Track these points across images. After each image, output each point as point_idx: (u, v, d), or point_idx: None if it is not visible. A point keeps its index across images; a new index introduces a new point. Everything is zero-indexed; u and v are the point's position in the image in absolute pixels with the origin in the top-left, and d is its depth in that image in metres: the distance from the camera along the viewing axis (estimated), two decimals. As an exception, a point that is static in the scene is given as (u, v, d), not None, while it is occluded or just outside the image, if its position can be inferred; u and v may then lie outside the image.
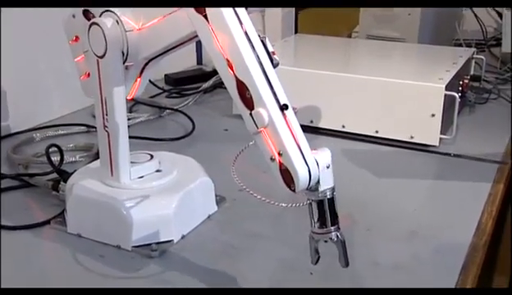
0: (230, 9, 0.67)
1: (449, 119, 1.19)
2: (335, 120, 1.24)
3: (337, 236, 0.68)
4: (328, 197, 0.67)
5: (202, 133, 1.26)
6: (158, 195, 0.85)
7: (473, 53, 1.43)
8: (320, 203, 0.67)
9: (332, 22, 1.86)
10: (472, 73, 1.43)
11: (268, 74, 0.67)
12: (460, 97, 1.22)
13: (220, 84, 1.50)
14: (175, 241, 0.84)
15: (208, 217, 0.91)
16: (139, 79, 0.85)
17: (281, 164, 0.65)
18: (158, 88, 1.50)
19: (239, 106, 0.68)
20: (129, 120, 1.22)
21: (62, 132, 1.24)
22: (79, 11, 0.83)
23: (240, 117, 0.68)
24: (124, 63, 0.81)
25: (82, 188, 0.86)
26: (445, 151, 1.16)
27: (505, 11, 1.67)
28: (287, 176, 0.65)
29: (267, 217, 0.90)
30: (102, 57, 0.80)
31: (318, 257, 0.70)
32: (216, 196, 0.93)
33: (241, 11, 0.68)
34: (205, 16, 0.68)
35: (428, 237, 0.87)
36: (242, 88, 0.67)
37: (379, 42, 1.62)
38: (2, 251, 0.81)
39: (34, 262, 0.81)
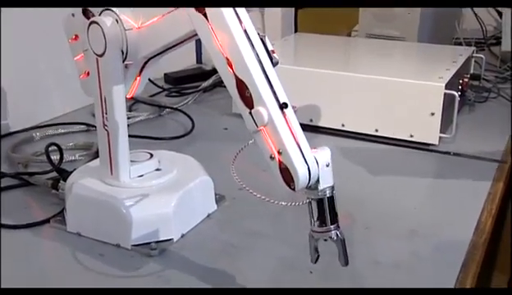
0: (230, 8, 0.67)
1: (448, 117, 1.19)
2: (334, 118, 1.24)
3: (337, 234, 0.68)
4: (328, 195, 0.67)
5: (201, 132, 1.26)
6: (158, 194, 0.85)
7: (473, 52, 1.43)
8: (320, 202, 0.67)
9: (332, 21, 1.86)
10: (471, 72, 1.43)
11: (268, 72, 0.67)
12: (460, 95, 1.22)
13: (219, 83, 1.50)
14: (174, 240, 0.84)
15: (208, 216, 0.91)
16: (138, 78, 0.85)
17: (280, 162, 0.65)
18: (158, 86, 1.51)
19: (238, 105, 0.68)
20: (128, 118, 1.21)
21: (62, 131, 1.24)
22: (78, 9, 0.83)
23: (240, 116, 0.68)
24: (123, 62, 0.81)
25: (82, 186, 0.86)
26: (444, 149, 1.16)
27: (505, 10, 1.67)
28: (287, 175, 0.65)
29: (266, 216, 0.90)
30: (101, 56, 0.80)
31: (318, 256, 0.70)
32: (215, 194, 0.93)
33: (241, 9, 0.68)
34: (205, 15, 0.68)
35: (428, 235, 0.87)
36: (242, 86, 0.67)
37: (379, 41, 1.62)
38: (1, 250, 0.81)
39: (34, 261, 0.81)
